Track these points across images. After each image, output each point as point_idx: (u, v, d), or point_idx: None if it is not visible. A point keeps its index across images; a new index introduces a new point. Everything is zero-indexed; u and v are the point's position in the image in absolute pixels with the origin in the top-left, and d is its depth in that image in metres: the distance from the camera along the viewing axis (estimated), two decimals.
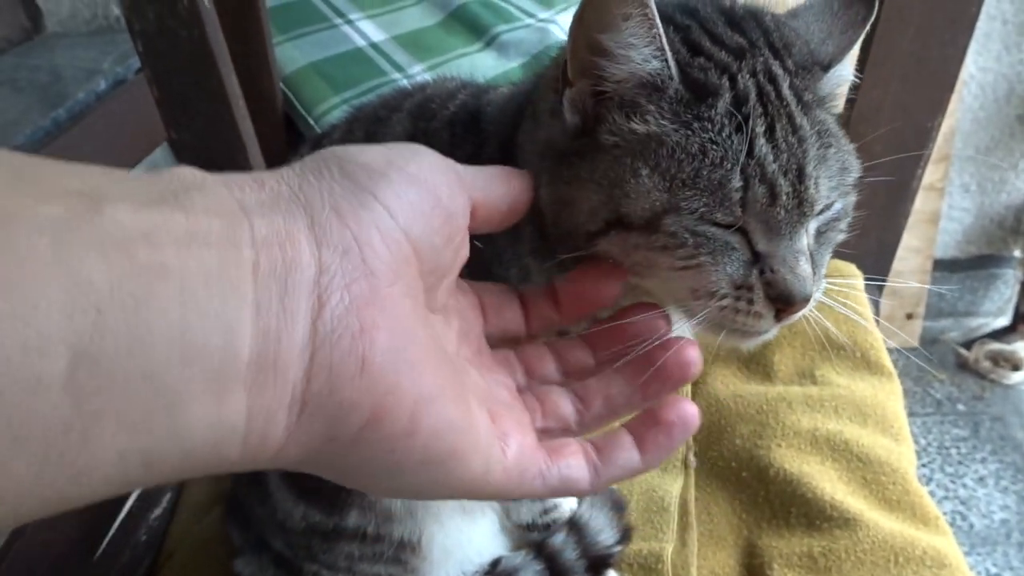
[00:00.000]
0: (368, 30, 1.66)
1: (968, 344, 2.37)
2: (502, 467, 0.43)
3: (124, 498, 1.04)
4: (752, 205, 0.49)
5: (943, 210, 2.28)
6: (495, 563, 0.82)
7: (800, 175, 0.49)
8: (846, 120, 1.02)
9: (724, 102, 0.49)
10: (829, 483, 0.86)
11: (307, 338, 0.35)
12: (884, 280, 1.11)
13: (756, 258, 0.50)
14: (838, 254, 1.08)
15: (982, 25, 2.12)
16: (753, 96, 0.50)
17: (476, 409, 0.43)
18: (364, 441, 0.37)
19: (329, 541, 0.76)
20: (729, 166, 0.48)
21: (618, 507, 0.87)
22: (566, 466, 0.45)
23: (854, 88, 0.98)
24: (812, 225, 0.52)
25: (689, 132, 0.49)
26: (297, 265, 0.35)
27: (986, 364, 2.30)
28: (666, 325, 0.51)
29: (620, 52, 0.49)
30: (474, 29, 1.63)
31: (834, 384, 0.97)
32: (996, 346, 2.32)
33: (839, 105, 0.58)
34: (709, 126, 0.49)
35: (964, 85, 2.16)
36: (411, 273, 0.40)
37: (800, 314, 0.52)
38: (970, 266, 2.44)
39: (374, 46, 1.61)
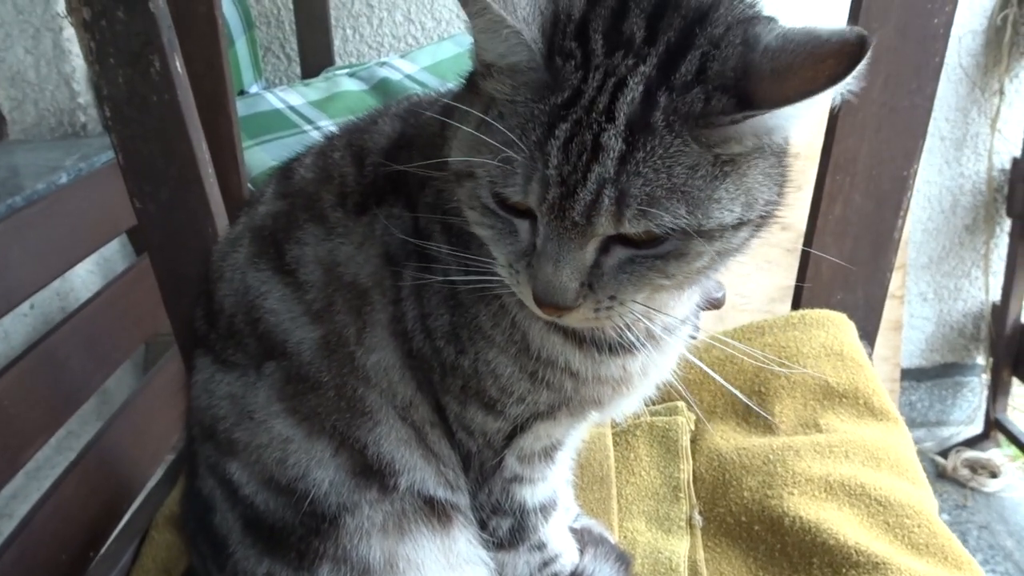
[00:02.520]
0: None
1: (944, 453, 2.33)
2: None
3: None
4: (533, 197, 0.51)
5: (905, 319, 2.31)
6: None
7: (573, 188, 0.49)
8: (824, 170, 1.03)
9: (561, 96, 0.50)
10: (851, 528, 0.79)
11: None
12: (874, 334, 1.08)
13: (533, 249, 0.53)
14: (826, 304, 1.07)
15: None
16: (586, 99, 0.50)
17: None
18: None
19: None
20: (522, 156, 0.50)
21: (623, 560, 0.78)
22: None
23: (829, 138, 1.00)
24: (592, 245, 0.51)
25: (520, 109, 0.51)
26: None
27: (964, 472, 2.25)
28: None
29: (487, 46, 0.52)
30: None
31: (840, 431, 0.91)
32: (971, 454, 2.28)
33: (767, 149, 0.52)
34: (532, 112, 0.50)
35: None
36: None
37: (571, 321, 0.56)
38: (936, 375, 2.44)
39: None
